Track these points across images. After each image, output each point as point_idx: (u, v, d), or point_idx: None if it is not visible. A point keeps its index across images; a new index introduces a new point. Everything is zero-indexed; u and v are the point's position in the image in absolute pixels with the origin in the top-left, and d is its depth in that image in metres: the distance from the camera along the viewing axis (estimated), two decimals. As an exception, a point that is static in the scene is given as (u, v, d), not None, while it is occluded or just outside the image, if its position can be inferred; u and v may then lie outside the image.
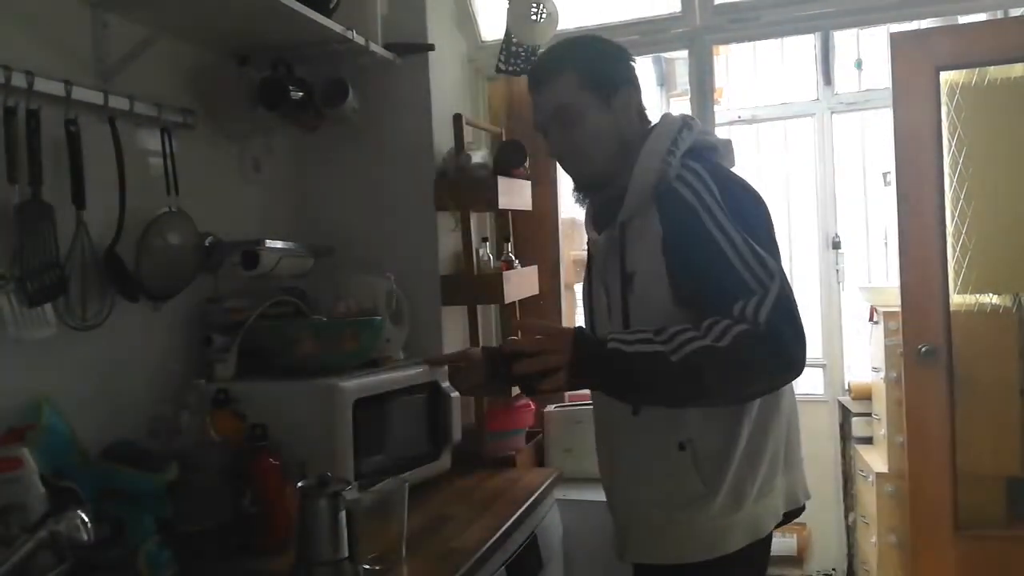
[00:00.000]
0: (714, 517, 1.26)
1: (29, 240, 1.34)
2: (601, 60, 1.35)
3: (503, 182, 2.10)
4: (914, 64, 2.34)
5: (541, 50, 2.23)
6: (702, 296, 1.19)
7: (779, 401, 1.31)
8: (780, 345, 1.12)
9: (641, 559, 1.35)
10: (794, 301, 1.16)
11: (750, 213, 1.24)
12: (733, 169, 1.36)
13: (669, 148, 1.28)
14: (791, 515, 1.39)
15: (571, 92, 1.32)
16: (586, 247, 1.52)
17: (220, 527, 1.42)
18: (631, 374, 1.16)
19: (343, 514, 1.19)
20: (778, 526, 1.36)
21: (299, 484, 1.21)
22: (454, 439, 1.89)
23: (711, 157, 1.33)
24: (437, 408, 1.86)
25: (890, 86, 2.39)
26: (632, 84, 1.37)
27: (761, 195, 1.30)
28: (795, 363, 1.15)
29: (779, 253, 1.23)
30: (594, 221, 1.44)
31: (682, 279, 1.22)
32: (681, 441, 1.26)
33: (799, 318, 1.15)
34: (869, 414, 3.03)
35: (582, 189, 1.41)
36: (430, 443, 1.85)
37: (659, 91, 3.99)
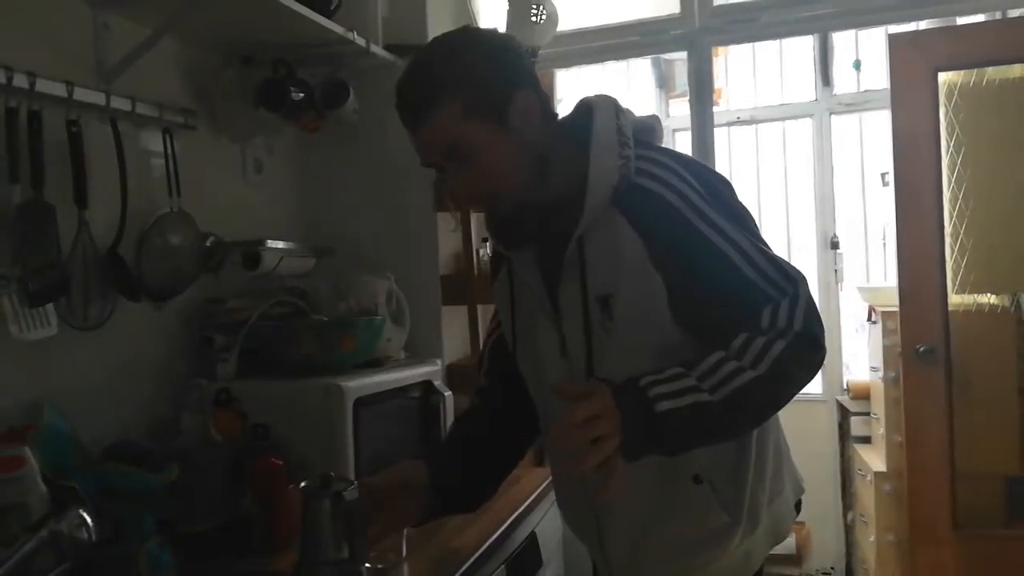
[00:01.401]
0: (741, 543, 1.13)
1: (31, 240, 1.34)
2: (482, 73, 1.06)
3: (503, 182, 2.10)
4: (912, 65, 2.35)
5: (541, 50, 2.25)
6: (718, 310, 1.04)
7: None
8: (816, 348, 1.02)
9: None
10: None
11: (733, 203, 1.09)
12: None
13: (620, 140, 1.07)
14: (798, 505, 1.28)
15: (456, 125, 1.04)
16: (491, 270, 1.29)
17: (221, 527, 1.43)
18: (686, 436, 0.97)
19: (345, 514, 1.19)
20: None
21: (302, 484, 1.21)
22: (450, 438, 1.91)
23: (653, 141, 1.15)
24: (431, 407, 1.88)
25: (888, 87, 2.39)
26: (525, 84, 1.09)
27: (714, 170, 1.15)
28: (824, 357, 1.06)
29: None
30: (499, 235, 1.19)
31: (683, 294, 1.05)
32: (696, 474, 1.09)
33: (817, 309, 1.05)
34: (868, 413, 3.04)
35: (506, 223, 1.17)
36: (425, 443, 1.87)
37: (658, 92, 4.00)
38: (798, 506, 1.28)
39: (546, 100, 1.13)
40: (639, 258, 1.05)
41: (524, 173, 1.09)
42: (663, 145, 1.17)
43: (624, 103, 1.16)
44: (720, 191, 1.08)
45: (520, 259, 1.17)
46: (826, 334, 1.08)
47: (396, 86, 1.08)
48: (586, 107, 1.13)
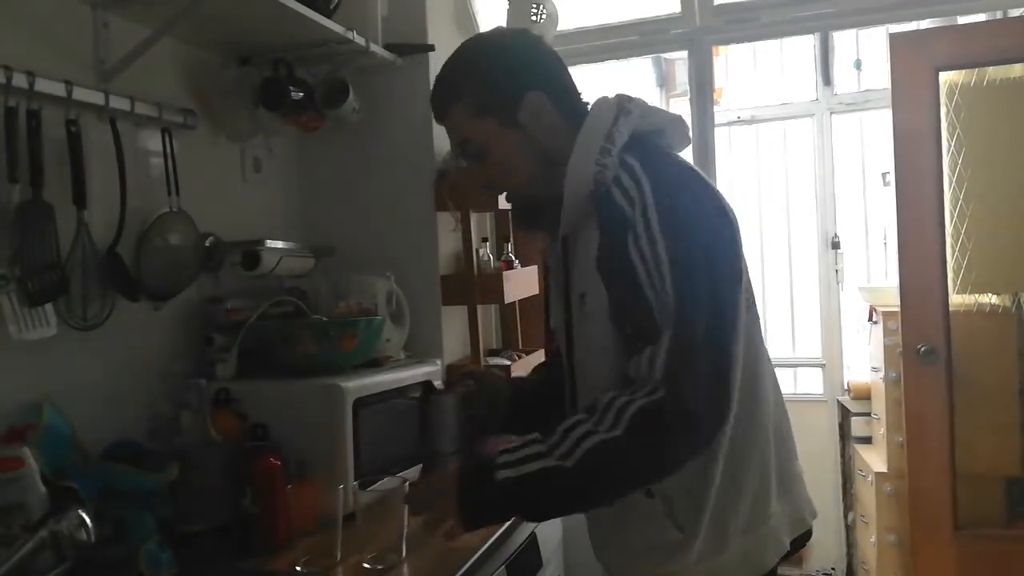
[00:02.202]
0: (699, 561, 1.11)
1: (30, 240, 1.34)
2: (491, 77, 1.13)
3: (503, 182, 2.10)
4: (913, 64, 2.35)
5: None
6: (624, 333, 1.04)
7: (756, 420, 1.12)
8: (683, 415, 0.97)
9: None
10: (698, 341, 0.98)
11: (687, 223, 1.03)
12: (685, 155, 1.20)
13: (603, 145, 1.08)
14: (800, 540, 1.22)
15: (467, 125, 1.14)
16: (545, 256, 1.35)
17: (220, 527, 1.43)
18: (529, 502, 1.02)
19: (460, 412, 1.28)
20: (787, 556, 1.19)
21: (426, 383, 1.34)
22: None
23: (656, 143, 1.14)
24: (431, 407, 1.88)
25: (889, 86, 2.39)
26: (538, 85, 1.13)
27: (707, 190, 1.10)
28: (705, 422, 0.99)
29: (728, 263, 1.06)
30: (522, 226, 1.29)
31: (610, 306, 1.06)
32: (648, 488, 1.09)
33: (701, 364, 0.98)
34: (868, 414, 3.03)
35: (521, 213, 1.23)
36: (426, 442, 1.86)
37: (658, 92, 4.00)
38: (804, 539, 1.22)
39: (566, 99, 1.16)
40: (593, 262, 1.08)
41: (531, 169, 1.15)
42: (686, 144, 1.20)
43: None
44: (678, 209, 1.03)
45: (552, 248, 1.24)
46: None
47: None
48: (593, 108, 1.15)
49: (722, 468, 1.09)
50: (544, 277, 1.34)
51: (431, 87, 1.20)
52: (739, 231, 1.10)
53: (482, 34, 1.25)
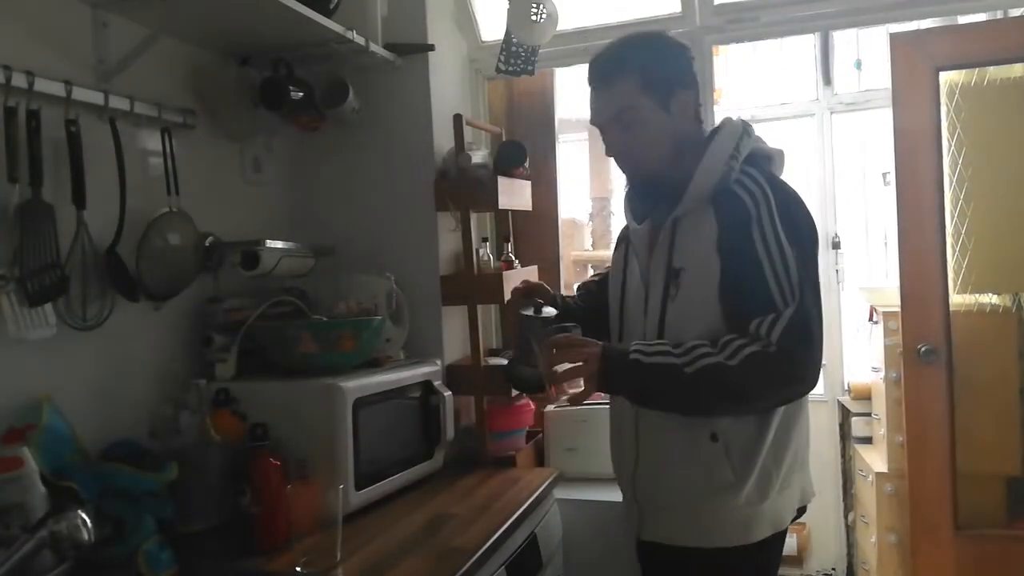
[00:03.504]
0: (741, 506, 1.31)
1: (29, 240, 1.34)
2: (663, 62, 1.36)
3: (503, 182, 2.10)
4: (914, 64, 2.34)
5: (541, 50, 2.25)
6: (730, 304, 1.26)
7: (803, 400, 1.37)
8: (789, 366, 1.21)
9: (664, 540, 1.40)
10: (813, 320, 1.23)
11: (800, 227, 1.29)
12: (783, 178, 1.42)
13: (732, 152, 1.32)
14: (799, 512, 1.43)
15: (632, 96, 1.34)
16: (623, 237, 1.54)
17: (220, 527, 1.43)
18: (649, 385, 1.25)
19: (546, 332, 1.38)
20: (792, 521, 1.41)
21: (522, 311, 1.47)
22: (447, 438, 1.90)
23: (766, 166, 1.38)
24: (431, 407, 1.88)
25: (890, 86, 2.39)
26: (690, 85, 1.39)
27: (805, 207, 1.35)
28: (805, 381, 1.24)
29: (817, 267, 1.30)
30: (632, 210, 1.49)
31: (726, 279, 1.27)
32: (713, 432, 1.30)
33: (815, 337, 1.23)
34: (869, 414, 3.03)
35: (635, 185, 1.46)
36: (424, 442, 1.86)
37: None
38: (801, 512, 1.44)
39: (698, 104, 1.41)
40: (711, 242, 1.28)
41: (663, 151, 1.37)
42: (782, 173, 1.42)
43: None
44: (794, 217, 1.29)
45: (638, 232, 1.45)
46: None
47: (596, 53, 1.40)
48: (721, 125, 1.39)
49: (774, 431, 1.32)
50: (622, 262, 1.52)
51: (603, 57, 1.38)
52: None
53: (651, 31, 1.48)
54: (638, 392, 1.29)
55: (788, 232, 1.26)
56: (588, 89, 1.40)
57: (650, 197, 1.44)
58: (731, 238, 1.27)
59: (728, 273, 1.27)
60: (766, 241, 1.25)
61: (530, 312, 1.47)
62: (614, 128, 1.37)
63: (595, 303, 1.62)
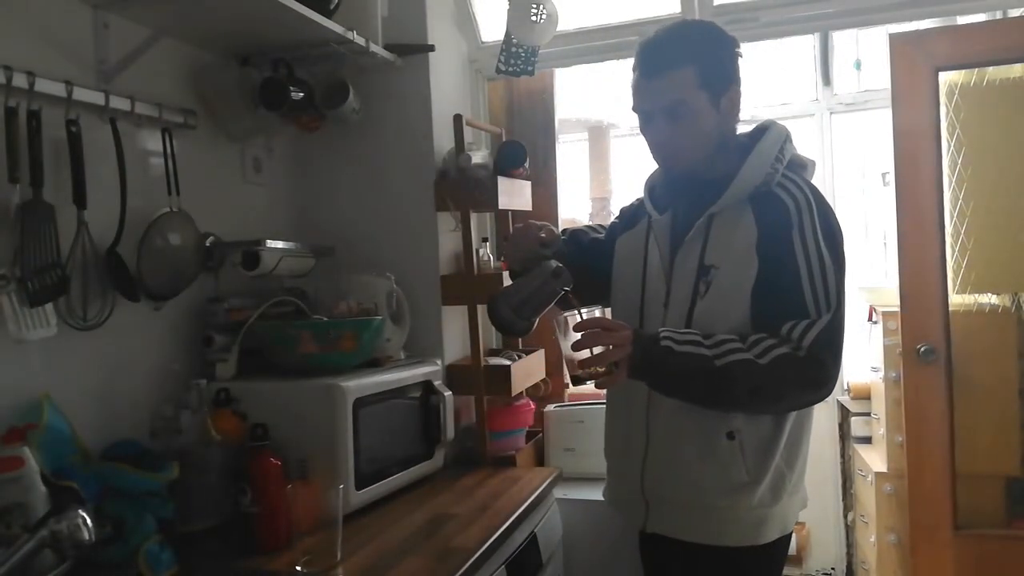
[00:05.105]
0: (754, 507, 1.32)
1: (30, 240, 1.34)
2: (719, 57, 1.35)
3: (503, 182, 2.11)
4: (913, 65, 2.34)
5: (541, 50, 2.25)
6: (763, 305, 1.27)
7: (811, 408, 1.38)
8: (817, 371, 1.22)
9: (672, 534, 1.39)
10: (842, 330, 1.26)
11: (836, 237, 1.31)
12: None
13: (777, 155, 1.34)
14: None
15: (687, 89, 1.31)
16: (634, 221, 1.50)
17: (220, 527, 1.43)
18: (675, 373, 1.24)
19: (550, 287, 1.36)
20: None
21: (555, 269, 1.36)
22: (447, 438, 1.91)
23: (802, 173, 1.39)
24: (431, 407, 1.88)
25: (889, 87, 2.39)
26: (739, 82, 1.39)
27: (836, 217, 1.36)
28: (826, 388, 1.25)
29: (845, 279, 1.31)
30: (652, 200, 1.47)
31: (762, 278, 1.27)
32: (730, 431, 1.30)
33: (841, 347, 1.25)
34: (868, 414, 3.03)
35: (670, 175, 1.43)
36: (424, 442, 1.87)
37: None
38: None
39: (740, 111, 1.41)
40: (750, 242, 1.28)
41: (708, 147, 1.35)
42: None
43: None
44: (831, 225, 1.31)
45: (660, 221, 1.43)
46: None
47: (648, 38, 1.35)
48: (765, 126, 1.41)
49: (786, 435, 1.33)
50: (642, 250, 1.47)
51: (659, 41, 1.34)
52: None
53: (707, 21, 1.46)
54: (663, 379, 1.27)
55: (827, 241, 1.27)
56: (634, 75, 1.35)
57: (677, 189, 1.42)
58: (771, 241, 1.27)
59: (765, 275, 1.27)
60: (806, 247, 1.26)
61: (549, 272, 1.36)
62: (661, 118, 1.33)
63: (582, 263, 1.50)
